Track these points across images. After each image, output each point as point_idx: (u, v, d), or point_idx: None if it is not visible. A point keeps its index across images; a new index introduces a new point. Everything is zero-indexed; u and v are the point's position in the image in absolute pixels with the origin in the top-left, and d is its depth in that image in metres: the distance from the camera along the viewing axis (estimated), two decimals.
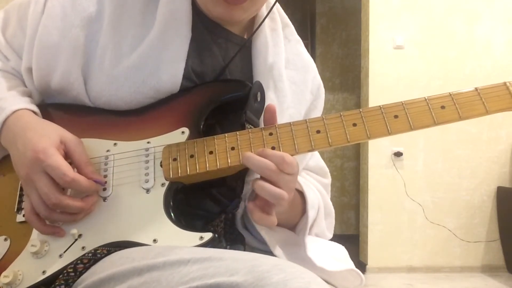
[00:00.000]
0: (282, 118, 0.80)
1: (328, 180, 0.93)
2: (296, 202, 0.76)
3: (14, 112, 0.72)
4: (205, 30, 0.80)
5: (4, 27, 0.84)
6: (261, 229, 0.74)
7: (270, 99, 0.80)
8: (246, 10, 0.77)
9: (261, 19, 0.84)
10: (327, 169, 0.94)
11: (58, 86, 0.76)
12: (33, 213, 0.67)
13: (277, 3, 0.87)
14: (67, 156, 0.69)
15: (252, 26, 0.86)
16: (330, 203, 0.89)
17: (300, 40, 0.92)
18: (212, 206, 0.76)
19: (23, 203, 0.72)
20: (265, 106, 0.78)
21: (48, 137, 0.68)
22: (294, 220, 0.78)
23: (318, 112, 0.91)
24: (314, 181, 0.89)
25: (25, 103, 0.74)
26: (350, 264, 0.77)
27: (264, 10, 0.86)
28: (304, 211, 0.77)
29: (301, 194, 0.78)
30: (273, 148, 0.67)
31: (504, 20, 3.64)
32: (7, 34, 0.83)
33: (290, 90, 0.85)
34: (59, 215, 0.67)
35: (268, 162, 0.64)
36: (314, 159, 0.92)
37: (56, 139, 0.68)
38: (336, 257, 0.78)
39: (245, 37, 0.86)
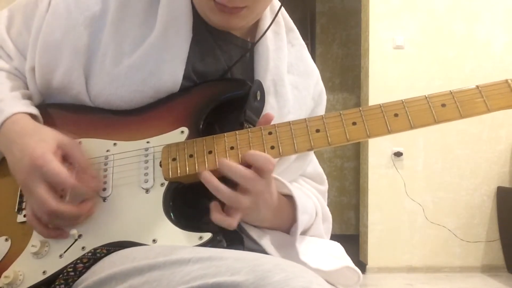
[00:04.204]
0: None
1: (324, 187, 0.93)
2: (284, 207, 0.75)
3: (12, 115, 0.71)
4: (207, 31, 0.80)
5: (9, 26, 0.84)
6: (251, 230, 0.74)
7: (270, 104, 0.80)
8: (244, 18, 0.76)
9: (265, 22, 0.83)
10: (324, 176, 0.94)
11: (60, 84, 0.76)
12: (35, 218, 0.67)
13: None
14: (66, 159, 0.69)
15: (256, 28, 0.85)
16: (327, 209, 0.88)
17: (305, 45, 0.91)
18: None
19: (25, 203, 0.72)
20: (265, 106, 0.78)
21: (45, 143, 0.67)
22: (285, 225, 0.77)
23: None
24: (310, 187, 0.88)
25: (23, 106, 0.74)
26: (347, 261, 0.77)
27: (268, 13, 0.85)
28: (295, 217, 0.76)
29: (290, 198, 0.76)
30: (272, 147, 0.67)
31: (504, 20, 3.64)
32: (11, 33, 0.83)
33: (292, 95, 0.84)
34: (59, 221, 0.67)
35: (247, 172, 0.65)
36: (312, 165, 0.91)
37: (53, 144, 0.68)
38: (333, 255, 0.78)
39: (248, 39, 0.85)
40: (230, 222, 0.65)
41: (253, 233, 0.74)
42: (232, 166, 0.65)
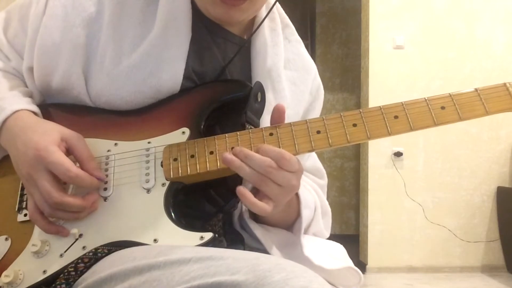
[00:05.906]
0: None
1: (324, 181, 0.93)
2: (292, 201, 0.76)
3: (14, 112, 0.72)
4: (205, 29, 0.80)
5: (6, 28, 0.84)
6: (256, 229, 0.74)
7: (269, 100, 0.80)
8: (245, 11, 0.77)
9: (261, 20, 0.84)
10: (323, 170, 0.94)
11: (59, 85, 0.76)
12: (37, 212, 0.67)
13: (277, 3, 0.87)
14: (69, 152, 0.69)
15: (252, 26, 0.86)
16: (326, 202, 0.89)
17: (301, 41, 0.92)
18: (212, 206, 0.76)
19: (25, 202, 0.72)
20: (265, 107, 0.78)
21: (48, 135, 0.68)
22: (290, 220, 0.78)
23: (316, 113, 0.91)
24: (310, 181, 0.89)
25: (25, 104, 0.74)
26: (349, 262, 0.77)
27: (263, 11, 0.86)
28: (299, 211, 0.77)
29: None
30: None
31: (504, 20, 3.64)
32: (8, 34, 0.83)
33: (290, 91, 0.85)
34: (63, 213, 0.67)
35: (269, 159, 0.63)
36: (311, 160, 0.91)
37: (56, 136, 0.69)
38: (334, 256, 0.78)
39: (245, 37, 0.86)
40: (265, 208, 0.64)
41: (258, 231, 0.74)
42: (251, 154, 0.64)
